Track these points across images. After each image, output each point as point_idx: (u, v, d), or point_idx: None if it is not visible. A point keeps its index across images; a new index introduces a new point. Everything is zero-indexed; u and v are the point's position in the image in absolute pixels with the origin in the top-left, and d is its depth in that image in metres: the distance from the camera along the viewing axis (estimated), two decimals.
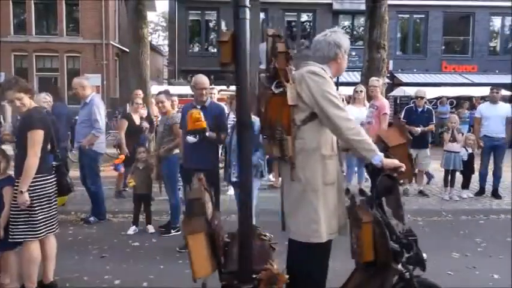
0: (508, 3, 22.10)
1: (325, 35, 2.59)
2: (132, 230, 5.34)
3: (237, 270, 2.16)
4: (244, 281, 2.10)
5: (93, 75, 18.48)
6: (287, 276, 2.17)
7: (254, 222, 2.51)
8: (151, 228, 5.41)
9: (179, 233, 5.24)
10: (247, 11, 2.00)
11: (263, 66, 2.46)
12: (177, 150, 5.19)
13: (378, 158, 2.34)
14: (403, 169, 2.39)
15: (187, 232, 2.21)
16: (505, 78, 20.31)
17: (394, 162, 2.39)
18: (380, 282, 2.43)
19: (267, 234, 2.60)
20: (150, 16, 42.60)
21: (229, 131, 4.95)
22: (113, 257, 4.55)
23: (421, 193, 7.23)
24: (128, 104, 8.15)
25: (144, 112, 7.74)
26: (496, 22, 23.23)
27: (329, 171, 2.43)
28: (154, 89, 13.46)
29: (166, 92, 5.61)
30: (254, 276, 2.13)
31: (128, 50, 14.01)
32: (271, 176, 7.52)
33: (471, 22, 22.56)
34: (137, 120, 6.97)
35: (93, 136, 5.56)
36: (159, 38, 45.65)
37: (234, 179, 4.51)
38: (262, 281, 2.13)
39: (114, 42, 23.04)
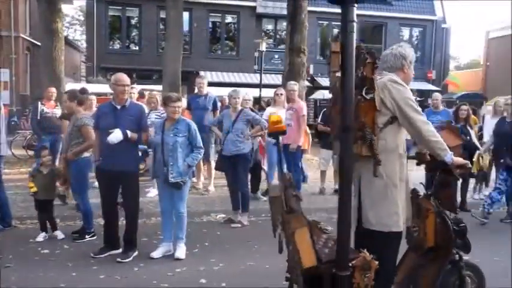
0: (415, 16, 24.11)
1: (392, 49, 2.96)
2: (41, 236, 5.01)
3: (334, 259, 2.32)
4: (342, 269, 2.25)
5: (0, 70, 17.05)
6: (377, 263, 2.34)
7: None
8: (60, 234, 5.09)
9: (94, 238, 5.03)
10: (355, 25, 2.28)
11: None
12: (86, 154, 4.97)
13: (450, 156, 2.70)
14: (469, 166, 2.84)
15: (294, 227, 2.40)
16: (412, 84, 22.04)
17: (462, 160, 2.80)
18: (439, 265, 2.85)
19: (329, 228, 2.81)
20: (66, 9, 40.23)
21: (153, 130, 4.87)
22: (19, 266, 4.23)
23: (337, 192, 7.59)
24: (39, 102, 7.63)
25: (57, 111, 7.34)
26: (405, 32, 25.18)
27: (403, 169, 2.76)
28: (70, 86, 12.75)
29: (71, 93, 5.28)
30: (350, 264, 2.30)
31: (40, 44, 13.11)
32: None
33: (383, 32, 24.21)
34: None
35: None
36: (75, 33, 43.25)
37: (172, 180, 4.45)
38: (357, 267, 2.30)
39: (25, 35, 21.41)
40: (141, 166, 6.10)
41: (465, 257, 3.04)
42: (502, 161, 6.11)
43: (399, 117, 2.69)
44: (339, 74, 2.37)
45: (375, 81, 2.58)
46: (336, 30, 23.95)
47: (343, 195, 2.29)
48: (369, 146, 2.57)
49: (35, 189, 5.00)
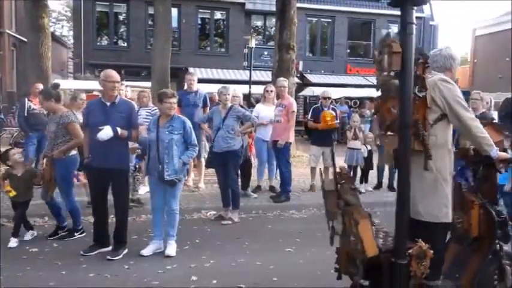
0: None
1: (440, 50, 3.13)
2: (29, 234, 4.94)
3: (392, 248, 2.51)
4: (400, 257, 2.42)
5: None
6: (431, 252, 2.46)
7: None
8: (28, 235, 4.91)
9: (83, 235, 4.99)
10: (414, 27, 2.36)
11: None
12: (73, 151, 4.89)
13: (495, 151, 2.84)
14: None
15: (358, 218, 2.52)
16: None
17: (505, 154, 2.96)
18: (483, 255, 3.01)
19: (376, 221, 2.91)
20: (53, 5, 39.73)
21: (144, 127, 4.83)
22: (8, 265, 4.16)
23: None
24: (26, 99, 7.53)
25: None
26: (394, 29, 25.29)
27: (451, 163, 2.92)
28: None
29: (44, 92, 5.12)
30: (407, 253, 2.45)
31: (26, 40, 12.93)
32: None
33: (372, 28, 24.32)
34: None
35: None
36: (63, 29, 42.71)
37: (167, 178, 4.43)
38: (413, 256, 2.44)
39: (11, 31, 21.08)
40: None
41: (505, 247, 3.15)
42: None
43: (449, 114, 2.84)
44: (391, 74, 2.53)
45: (426, 80, 2.73)
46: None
47: (402, 188, 2.46)
48: (421, 141, 2.71)
49: (13, 193, 4.74)
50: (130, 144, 4.98)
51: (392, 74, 2.51)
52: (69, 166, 4.90)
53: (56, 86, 5.50)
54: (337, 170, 2.77)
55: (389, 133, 2.84)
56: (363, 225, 2.50)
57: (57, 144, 4.78)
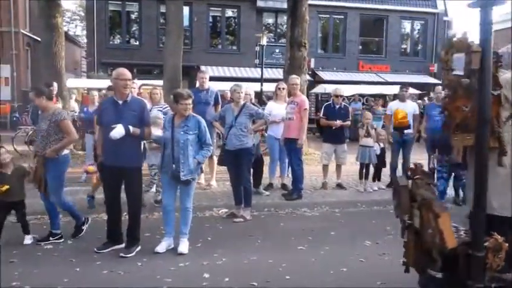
0: (417, 9, 23.96)
1: (508, 48, 3.13)
2: (28, 239, 4.79)
3: (469, 241, 2.63)
4: (478, 250, 2.55)
5: (1, 65, 17.01)
6: (506, 245, 2.56)
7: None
8: (28, 239, 4.79)
9: (88, 224, 5.03)
10: (492, 29, 2.49)
11: (460, 73, 2.83)
12: (66, 151, 4.80)
13: None
14: None
15: (438, 211, 2.61)
16: (414, 78, 22.02)
17: None
18: None
19: None
20: (67, 4, 40.12)
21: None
22: (23, 262, 4.24)
23: (339, 186, 7.61)
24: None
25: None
26: (407, 26, 25.05)
27: None
28: (71, 82, 12.76)
29: (36, 90, 4.89)
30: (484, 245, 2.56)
31: (40, 40, 13.08)
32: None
33: (384, 25, 24.09)
34: None
35: None
36: (76, 28, 43.15)
37: (183, 178, 4.46)
38: (490, 249, 2.55)
39: (25, 31, 21.35)
40: None
41: None
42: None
43: None
44: (458, 73, 2.64)
45: (499, 79, 2.77)
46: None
47: (480, 183, 2.57)
48: (496, 138, 2.78)
49: (6, 187, 4.58)
50: (155, 146, 4.97)
51: (458, 73, 2.61)
52: (61, 165, 4.77)
53: (49, 84, 5.49)
54: (411, 166, 2.91)
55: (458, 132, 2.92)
56: (443, 218, 2.60)
57: (49, 143, 4.65)
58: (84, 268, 4.12)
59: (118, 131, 4.30)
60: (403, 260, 3.02)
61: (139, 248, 4.55)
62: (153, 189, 6.52)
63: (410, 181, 2.93)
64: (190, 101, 4.56)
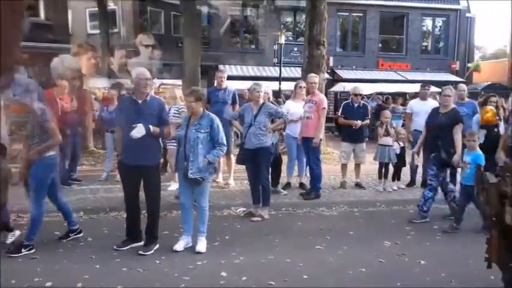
0: (438, 5, 23.53)
1: None
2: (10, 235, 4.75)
3: None
4: None
5: None
6: None
7: None
8: (10, 236, 4.74)
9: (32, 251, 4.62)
10: None
11: None
12: (52, 152, 4.55)
13: None
14: None
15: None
16: (435, 76, 21.65)
17: None
18: None
19: None
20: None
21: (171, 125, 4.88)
22: (45, 258, 4.33)
23: (358, 185, 7.53)
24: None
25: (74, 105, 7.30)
26: (428, 23, 24.62)
27: None
28: (93, 81, 12.95)
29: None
30: None
31: None
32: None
33: (405, 22, 23.73)
34: None
35: None
36: None
37: (191, 176, 4.48)
38: None
39: None
40: None
41: None
42: (433, 155, 5.75)
43: None
44: None
45: None
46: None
47: None
48: None
49: None
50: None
51: None
52: (45, 168, 4.51)
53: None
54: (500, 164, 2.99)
55: None
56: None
57: (33, 144, 4.45)
58: (103, 265, 4.18)
59: (139, 131, 4.35)
60: (485, 256, 3.03)
61: (157, 246, 4.59)
62: (172, 187, 6.57)
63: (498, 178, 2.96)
64: (192, 98, 4.56)
